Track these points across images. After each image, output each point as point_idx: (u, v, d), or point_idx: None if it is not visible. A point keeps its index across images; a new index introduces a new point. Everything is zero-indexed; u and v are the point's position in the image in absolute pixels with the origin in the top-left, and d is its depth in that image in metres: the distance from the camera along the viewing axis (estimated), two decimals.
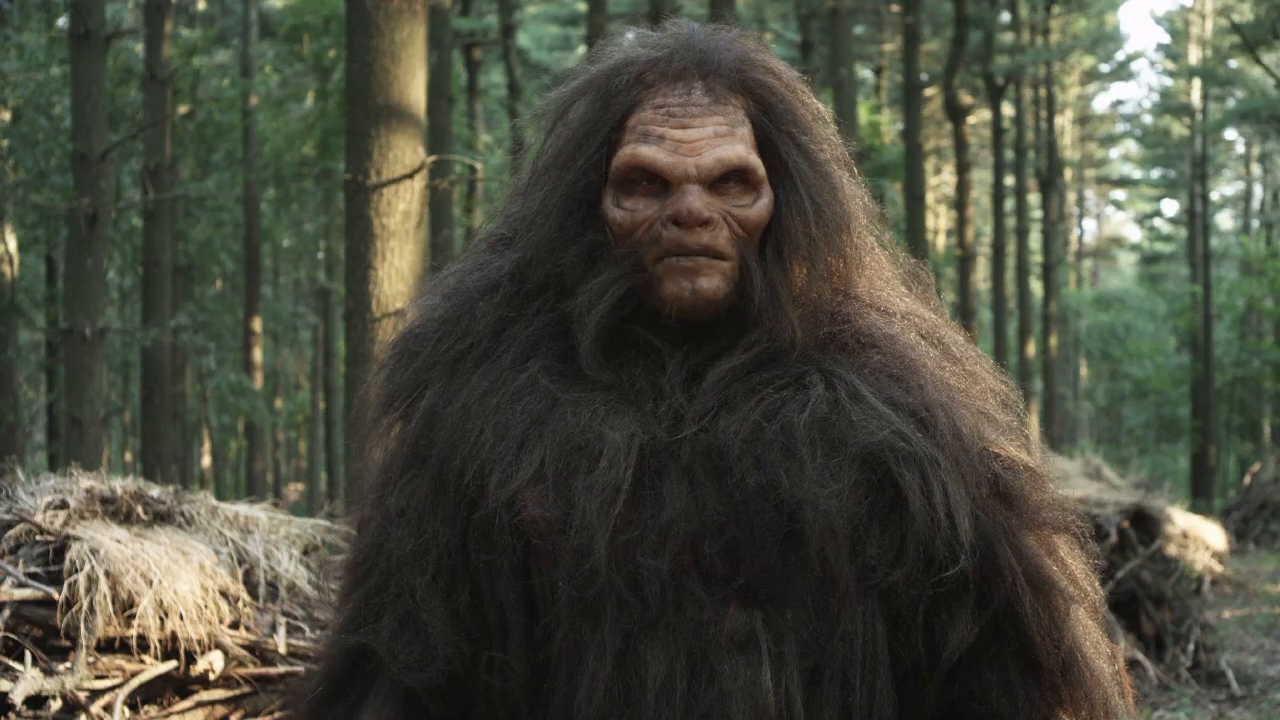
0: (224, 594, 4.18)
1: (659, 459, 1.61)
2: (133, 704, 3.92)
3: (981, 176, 36.89)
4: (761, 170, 1.69)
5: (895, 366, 1.70)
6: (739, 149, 1.67)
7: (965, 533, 1.61)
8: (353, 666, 1.76)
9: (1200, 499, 25.00)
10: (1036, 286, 35.50)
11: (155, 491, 4.49)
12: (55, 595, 3.83)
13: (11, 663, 3.71)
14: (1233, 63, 31.94)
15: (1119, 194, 52.08)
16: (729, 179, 1.67)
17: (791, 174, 1.70)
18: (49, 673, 3.73)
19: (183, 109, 18.00)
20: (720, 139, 1.67)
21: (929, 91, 23.70)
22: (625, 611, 1.58)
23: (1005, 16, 27.86)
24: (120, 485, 4.39)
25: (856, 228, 1.78)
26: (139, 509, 4.29)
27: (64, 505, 4.19)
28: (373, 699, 1.73)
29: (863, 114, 19.03)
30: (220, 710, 4.09)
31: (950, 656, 1.64)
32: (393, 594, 1.69)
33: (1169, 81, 42.21)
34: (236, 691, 4.10)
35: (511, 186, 1.95)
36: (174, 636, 3.96)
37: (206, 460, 25.98)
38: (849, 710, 1.61)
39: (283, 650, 4.17)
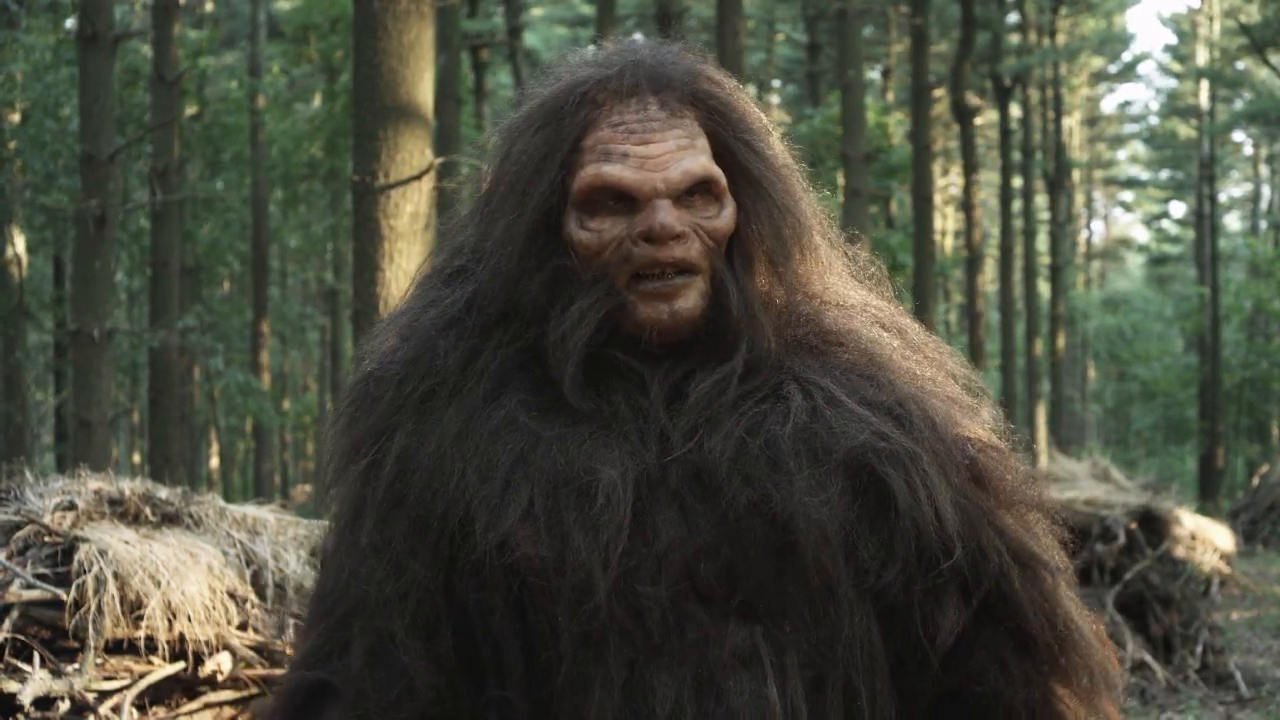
0: (232, 595, 4.18)
1: (650, 486, 1.60)
2: (141, 705, 3.92)
3: (989, 178, 36.87)
4: (724, 180, 1.67)
5: (864, 364, 1.70)
6: (702, 160, 1.65)
7: (951, 523, 1.62)
8: (308, 701, 1.72)
9: (1208, 500, 24.92)
10: (1044, 288, 35.45)
11: (163, 493, 4.49)
12: (63, 596, 3.83)
13: (20, 664, 3.72)
14: (1240, 64, 31.92)
15: (1126, 195, 52.01)
16: (694, 191, 1.65)
17: (754, 180, 1.69)
18: (57, 674, 3.73)
19: (190, 110, 18.00)
20: (683, 152, 1.64)
21: (937, 93, 23.63)
22: (628, 641, 1.57)
23: (1013, 18, 27.85)
24: (128, 487, 4.40)
25: (815, 228, 1.78)
26: (147, 510, 4.30)
27: (72, 506, 4.19)
28: None
29: (871, 115, 19.01)
30: (228, 711, 4.09)
31: (944, 642, 1.65)
32: (366, 633, 1.66)
33: (1176, 83, 42.17)
34: (244, 693, 4.10)
35: (456, 218, 1.92)
36: (182, 638, 3.97)
37: (214, 462, 26.06)
38: (853, 715, 1.62)
39: (290, 651, 4.17)
